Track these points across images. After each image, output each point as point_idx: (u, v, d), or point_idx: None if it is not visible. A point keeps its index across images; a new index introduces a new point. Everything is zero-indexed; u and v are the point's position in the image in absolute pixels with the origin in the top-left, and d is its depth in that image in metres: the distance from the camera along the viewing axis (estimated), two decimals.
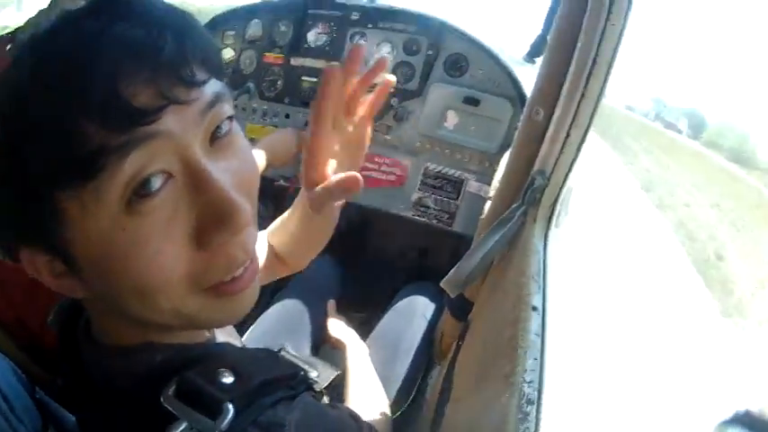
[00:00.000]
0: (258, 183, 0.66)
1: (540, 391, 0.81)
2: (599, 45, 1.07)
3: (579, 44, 1.09)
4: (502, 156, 1.71)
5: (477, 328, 1.34)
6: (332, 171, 0.83)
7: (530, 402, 0.78)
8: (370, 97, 0.87)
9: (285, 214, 1.09)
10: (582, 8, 1.07)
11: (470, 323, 1.45)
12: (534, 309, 0.96)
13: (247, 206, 0.57)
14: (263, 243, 1.12)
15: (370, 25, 2.08)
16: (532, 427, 0.74)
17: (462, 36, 1.99)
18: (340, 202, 0.92)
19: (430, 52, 2.00)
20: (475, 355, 1.24)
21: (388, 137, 2.09)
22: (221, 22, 2.29)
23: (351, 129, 0.86)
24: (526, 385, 0.81)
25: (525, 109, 1.26)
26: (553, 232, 1.23)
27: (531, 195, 1.20)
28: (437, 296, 1.89)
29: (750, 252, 10.74)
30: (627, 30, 1.06)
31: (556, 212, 1.24)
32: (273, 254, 1.13)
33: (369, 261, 2.46)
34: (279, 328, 1.76)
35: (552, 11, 1.19)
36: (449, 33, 2.00)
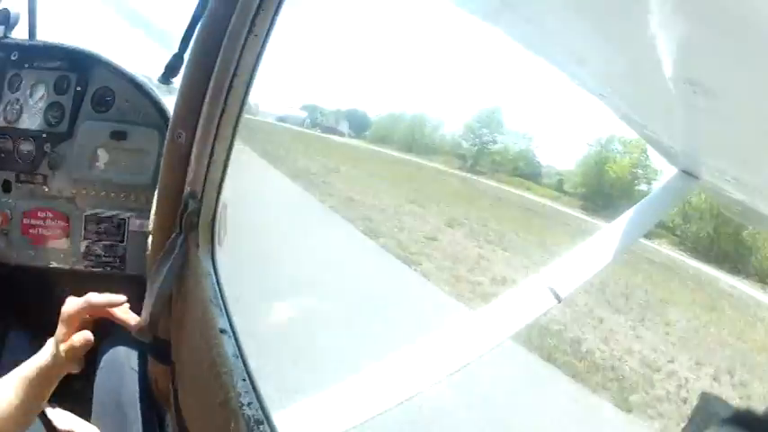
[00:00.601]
0: None
1: (263, 409, 0.81)
2: (240, 57, 1.07)
3: (220, 58, 1.08)
4: (156, 187, 1.69)
5: (182, 365, 1.29)
6: None
7: (258, 423, 0.78)
8: None
9: None
10: (226, 20, 1.05)
11: (175, 363, 1.39)
12: (223, 331, 0.95)
13: None
14: None
15: (26, 65, 1.93)
16: None
17: (108, 67, 1.94)
18: None
19: (78, 88, 1.91)
20: (191, 392, 1.19)
21: (46, 188, 1.94)
22: None
23: None
24: (247, 408, 0.80)
25: (168, 134, 1.23)
26: (220, 252, 1.23)
27: (188, 220, 1.17)
28: (138, 342, 1.80)
29: None
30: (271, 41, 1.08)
31: (216, 232, 1.24)
32: None
33: None
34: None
35: (191, 29, 1.16)
36: (96, 66, 1.93)
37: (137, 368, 1.69)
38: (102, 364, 1.72)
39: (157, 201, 1.30)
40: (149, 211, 1.85)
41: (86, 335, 1.29)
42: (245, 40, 1.06)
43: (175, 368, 1.38)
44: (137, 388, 1.65)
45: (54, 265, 1.98)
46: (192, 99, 1.15)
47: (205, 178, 1.17)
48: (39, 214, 1.95)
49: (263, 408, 0.81)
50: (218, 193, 1.19)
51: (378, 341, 5.18)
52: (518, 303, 2.11)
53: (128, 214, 1.97)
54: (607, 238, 2.24)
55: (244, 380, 0.85)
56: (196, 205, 1.18)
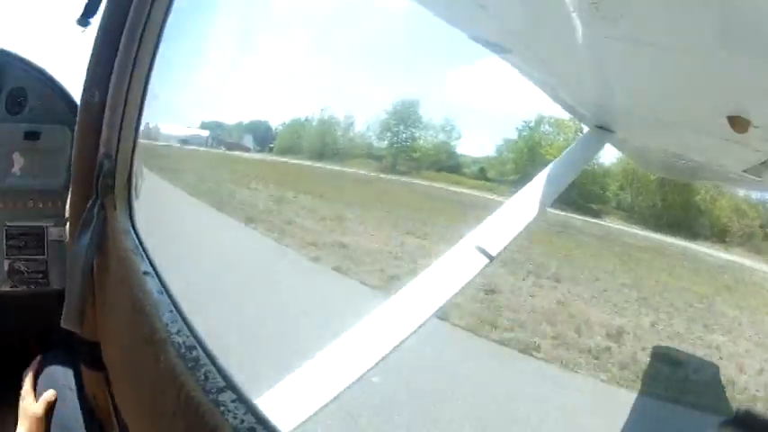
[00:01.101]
0: None
1: (195, 335, 0.74)
2: (150, 11, 1.06)
3: (132, 11, 1.07)
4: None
5: (114, 354, 1.21)
6: None
7: (191, 348, 0.71)
8: None
9: None
10: None
11: (108, 367, 1.31)
12: (146, 273, 0.88)
13: None
14: None
15: None
16: (212, 368, 0.67)
17: (21, 64, 1.89)
18: None
19: None
20: (124, 377, 1.10)
21: None
22: None
23: None
24: (176, 336, 0.73)
25: (81, 97, 1.19)
26: (137, 204, 1.18)
27: (104, 182, 1.11)
28: (70, 360, 1.68)
29: None
30: None
31: (133, 186, 1.19)
32: None
33: None
34: None
35: None
36: (10, 64, 1.88)
37: (74, 387, 1.60)
38: (39, 388, 1.63)
39: (74, 170, 1.24)
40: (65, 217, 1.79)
41: None
42: None
43: (108, 374, 1.31)
44: (76, 406, 1.57)
45: None
46: (105, 53, 1.13)
47: (119, 134, 1.12)
48: None
49: (193, 334, 0.74)
50: (133, 150, 1.15)
51: None
52: (451, 268, 2.11)
53: (46, 223, 1.90)
54: (529, 196, 2.31)
55: (170, 311, 0.78)
56: (111, 164, 1.12)
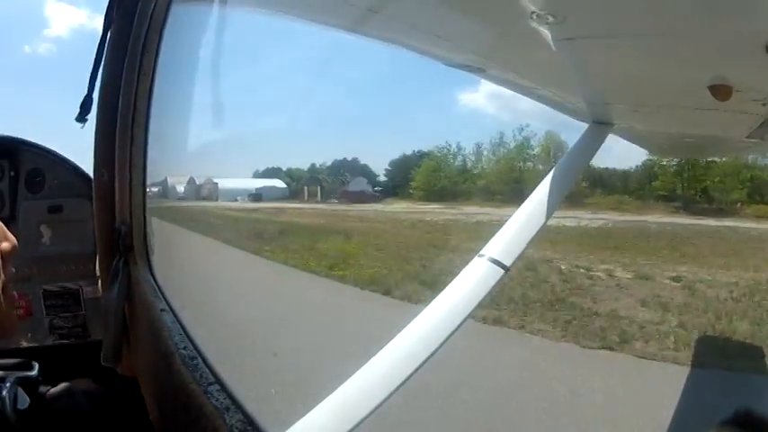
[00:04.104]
0: None
1: (196, 348, 1.07)
2: (137, 92, 1.38)
3: (121, 97, 1.39)
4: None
5: (145, 384, 1.47)
6: None
7: (192, 358, 1.03)
8: None
9: None
10: (119, 66, 1.38)
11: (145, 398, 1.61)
12: (162, 310, 1.22)
13: None
14: None
15: None
16: (206, 370, 0.99)
17: (35, 149, 2.17)
18: None
19: (12, 173, 2.13)
20: (149, 392, 1.39)
21: None
22: None
23: None
24: (183, 350, 1.06)
25: (93, 176, 1.51)
26: (155, 259, 1.51)
27: (124, 243, 1.46)
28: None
29: None
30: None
31: (149, 246, 1.52)
32: None
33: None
34: None
35: (95, 71, 1.45)
36: (24, 150, 2.16)
37: None
38: None
39: (97, 237, 1.58)
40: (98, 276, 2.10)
41: None
42: (137, 80, 1.40)
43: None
44: None
45: (24, 344, 2.16)
46: (106, 138, 1.46)
47: (130, 203, 1.46)
48: None
49: (195, 348, 1.07)
50: (144, 212, 1.48)
51: None
52: (467, 283, 2.27)
53: (81, 283, 2.18)
54: (536, 201, 2.47)
55: (180, 334, 1.11)
56: (127, 228, 1.46)
